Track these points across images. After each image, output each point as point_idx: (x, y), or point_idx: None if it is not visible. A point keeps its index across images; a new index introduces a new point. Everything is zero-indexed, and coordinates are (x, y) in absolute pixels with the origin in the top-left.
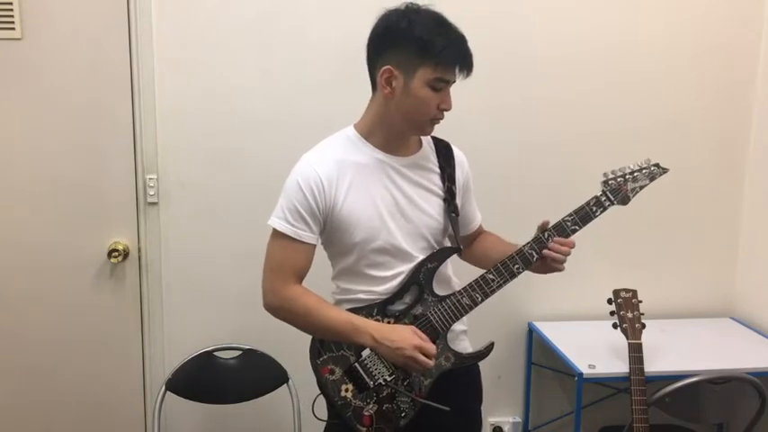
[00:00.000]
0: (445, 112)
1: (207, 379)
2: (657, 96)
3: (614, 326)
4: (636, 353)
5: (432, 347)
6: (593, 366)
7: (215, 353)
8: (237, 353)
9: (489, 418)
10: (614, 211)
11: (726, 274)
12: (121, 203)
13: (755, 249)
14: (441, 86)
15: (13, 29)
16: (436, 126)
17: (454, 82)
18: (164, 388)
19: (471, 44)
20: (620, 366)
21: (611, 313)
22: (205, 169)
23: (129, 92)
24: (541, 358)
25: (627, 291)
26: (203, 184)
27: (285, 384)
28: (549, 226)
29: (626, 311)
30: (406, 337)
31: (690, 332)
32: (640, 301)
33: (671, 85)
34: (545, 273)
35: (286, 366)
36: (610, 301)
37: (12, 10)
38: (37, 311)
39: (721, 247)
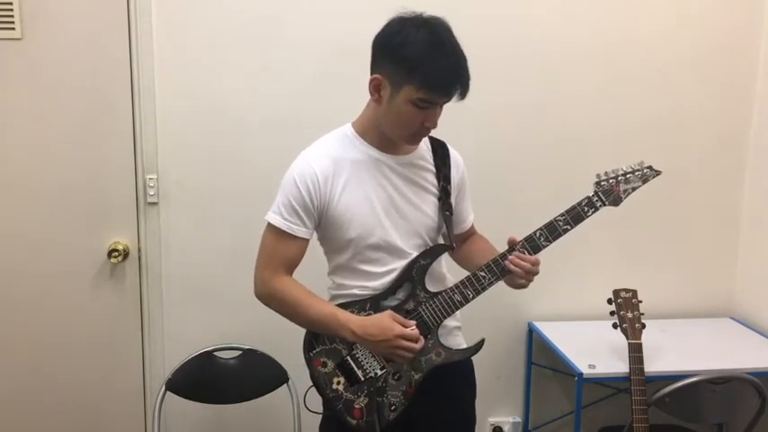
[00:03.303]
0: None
1: (207, 379)
2: (657, 96)
3: (614, 326)
4: (636, 353)
5: (412, 333)
6: (593, 366)
7: (215, 353)
8: (237, 353)
9: (489, 418)
10: (614, 211)
11: (726, 274)
12: (121, 203)
13: (755, 249)
14: (425, 106)
15: (13, 29)
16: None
17: (445, 103)
18: (164, 388)
19: (467, 46)
20: (620, 366)
21: (611, 313)
22: (205, 169)
23: (129, 92)
24: (541, 358)
25: (627, 291)
26: (203, 184)
27: (285, 384)
28: (542, 225)
29: (626, 311)
30: (385, 327)
31: (690, 332)
32: (640, 301)
33: (671, 84)
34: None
35: (286, 366)
36: (610, 301)
37: (12, 10)
38: (37, 311)
39: (721, 247)
